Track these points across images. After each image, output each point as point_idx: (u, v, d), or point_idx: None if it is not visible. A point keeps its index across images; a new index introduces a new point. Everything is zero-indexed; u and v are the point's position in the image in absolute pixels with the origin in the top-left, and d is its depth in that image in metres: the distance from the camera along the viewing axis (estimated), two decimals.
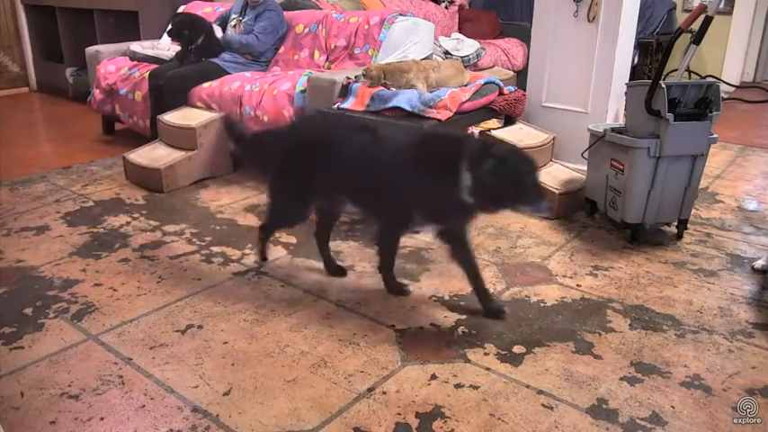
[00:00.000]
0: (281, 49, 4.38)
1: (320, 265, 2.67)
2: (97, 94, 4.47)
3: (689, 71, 6.20)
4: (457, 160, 2.02)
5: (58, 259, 2.74)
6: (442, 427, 1.73)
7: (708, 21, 2.79)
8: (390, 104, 3.14)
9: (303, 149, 2.33)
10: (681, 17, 6.31)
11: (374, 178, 2.21)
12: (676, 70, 3.32)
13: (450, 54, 5.16)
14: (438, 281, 2.55)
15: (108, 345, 2.12)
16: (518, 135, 3.50)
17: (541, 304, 2.38)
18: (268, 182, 2.50)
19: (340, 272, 2.60)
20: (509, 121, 3.70)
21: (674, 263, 2.72)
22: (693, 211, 3.12)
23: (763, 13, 6.66)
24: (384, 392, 1.87)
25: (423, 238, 2.94)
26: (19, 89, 6.47)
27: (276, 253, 2.80)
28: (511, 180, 1.98)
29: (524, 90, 3.87)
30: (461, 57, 5.10)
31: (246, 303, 2.38)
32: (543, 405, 1.82)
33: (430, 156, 2.14)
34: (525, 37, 5.04)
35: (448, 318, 2.29)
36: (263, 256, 2.69)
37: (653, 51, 6.01)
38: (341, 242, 2.90)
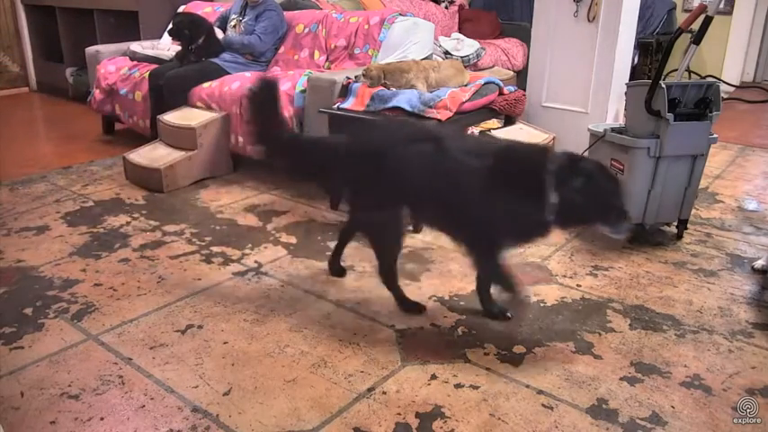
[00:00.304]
0: (281, 49, 4.38)
1: (320, 264, 2.68)
2: (97, 94, 4.47)
3: (689, 71, 6.20)
4: (542, 175, 1.89)
5: (58, 259, 2.74)
6: (441, 427, 1.73)
7: (708, 21, 2.79)
8: (390, 104, 3.14)
9: (377, 161, 2.10)
10: (681, 17, 6.32)
11: (449, 196, 2.03)
12: (676, 70, 3.32)
13: (450, 54, 5.16)
14: (438, 281, 2.55)
15: (108, 345, 2.12)
16: (518, 135, 3.50)
17: (541, 304, 2.38)
18: (357, 210, 2.33)
19: (341, 273, 2.60)
20: (509, 121, 3.70)
21: (674, 263, 2.72)
22: (693, 211, 3.12)
23: (763, 13, 6.66)
24: (384, 392, 1.87)
25: (422, 238, 2.94)
26: (19, 89, 6.47)
27: (276, 253, 2.80)
28: (598, 198, 1.90)
29: (524, 90, 3.87)
30: (461, 57, 5.10)
31: (246, 303, 2.38)
32: (543, 405, 1.82)
33: (513, 170, 1.97)
34: (525, 37, 5.04)
35: (448, 318, 2.29)
36: (413, 304, 2.33)
37: (653, 51, 6.01)
38: None
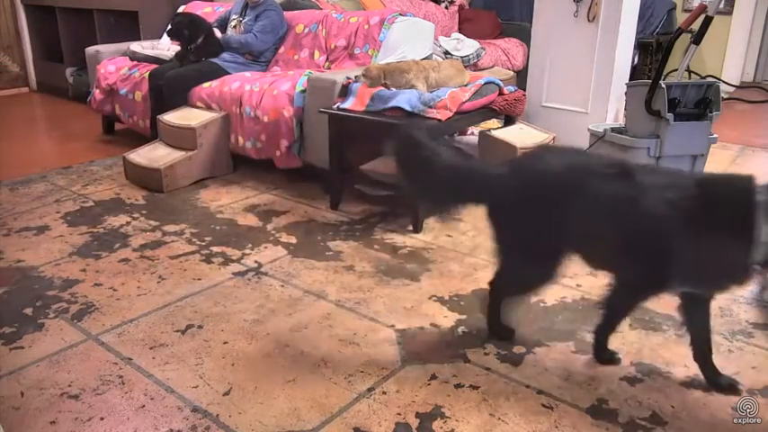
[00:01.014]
0: (281, 49, 4.38)
1: (320, 264, 2.67)
2: (97, 94, 4.47)
3: (689, 71, 6.19)
4: (752, 210, 1.62)
5: (58, 259, 2.74)
6: (442, 427, 1.73)
7: (708, 21, 2.79)
8: (390, 104, 3.14)
9: (547, 196, 1.87)
10: (681, 17, 6.32)
11: (632, 233, 1.80)
12: (676, 70, 3.33)
13: (450, 54, 5.16)
14: (438, 281, 2.55)
15: (108, 345, 2.12)
16: (518, 135, 3.50)
17: (541, 304, 2.38)
18: (499, 237, 2.01)
19: (508, 333, 2.17)
20: (509, 121, 3.70)
21: None
22: None
23: (763, 13, 6.67)
24: (384, 392, 1.87)
25: (422, 238, 2.94)
26: (19, 89, 6.47)
27: (276, 253, 2.80)
28: None
29: (524, 90, 3.87)
30: (461, 57, 5.10)
31: (246, 303, 2.38)
32: (543, 405, 1.82)
33: (715, 205, 1.71)
34: (525, 37, 5.05)
35: (448, 318, 2.29)
36: (506, 329, 2.16)
37: (653, 51, 6.02)
38: (341, 242, 2.90)
